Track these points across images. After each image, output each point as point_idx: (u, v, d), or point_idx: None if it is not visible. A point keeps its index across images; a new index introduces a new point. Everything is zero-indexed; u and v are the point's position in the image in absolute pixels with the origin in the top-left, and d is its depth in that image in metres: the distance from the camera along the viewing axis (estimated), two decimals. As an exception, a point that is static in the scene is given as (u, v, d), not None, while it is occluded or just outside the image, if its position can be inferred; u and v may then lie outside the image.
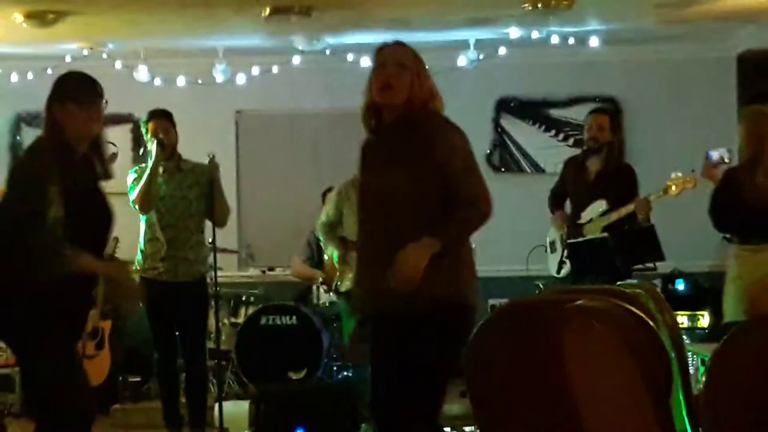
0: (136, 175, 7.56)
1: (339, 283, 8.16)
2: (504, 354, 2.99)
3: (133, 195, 7.41)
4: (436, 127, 4.62)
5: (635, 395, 2.56)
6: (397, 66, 4.61)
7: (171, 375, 7.76)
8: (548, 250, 8.35)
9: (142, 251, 7.59)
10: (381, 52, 4.72)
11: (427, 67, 4.70)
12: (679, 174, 7.75)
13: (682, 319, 8.61)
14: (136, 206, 7.45)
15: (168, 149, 7.50)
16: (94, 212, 5.06)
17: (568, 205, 8.23)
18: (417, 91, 4.61)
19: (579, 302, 2.75)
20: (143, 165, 7.62)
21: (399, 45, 4.74)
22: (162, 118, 7.60)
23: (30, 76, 10.14)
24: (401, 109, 4.61)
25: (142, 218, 7.60)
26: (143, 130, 7.72)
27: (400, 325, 4.55)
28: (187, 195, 7.57)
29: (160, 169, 7.48)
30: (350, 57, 10.15)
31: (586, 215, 7.93)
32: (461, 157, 4.59)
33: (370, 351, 4.84)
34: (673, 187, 7.72)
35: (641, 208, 7.70)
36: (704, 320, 9.07)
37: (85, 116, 5.06)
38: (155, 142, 7.41)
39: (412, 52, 4.71)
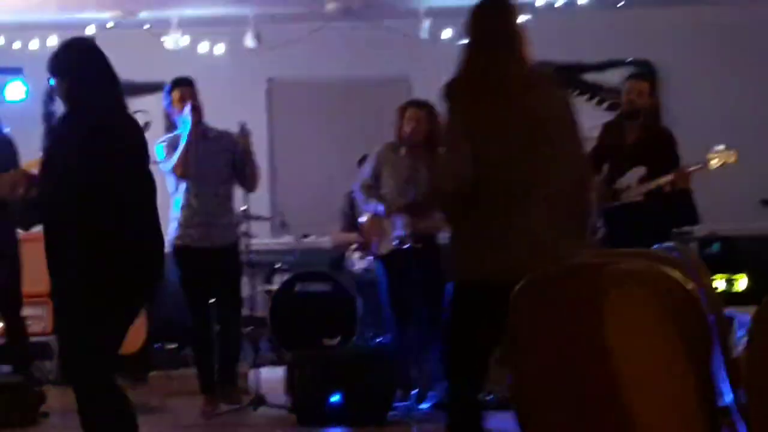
0: (167, 144, 7.61)
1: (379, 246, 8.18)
2: (541, 318, 2.97)
3: (173, 162, 7.46)
4: None
5: (675, 358, 2.54)
6: None
7: (206, 342, 7.80)
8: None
9: (176, 219, 7.64)
10: None
11: None
12: (721, 147, 7.69)
13: (719, 283, 8.56)
14: (177, 173, 7.50)
15: (198, 114, 7.54)
16: None
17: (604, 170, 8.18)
18: None
19: (617, 265, 2.73)
20: (171, 135, 7.67)
21: None
22: (186, 85, 7.64)
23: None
24: None
25: (173, 187, 7.63)
26: (165, 101, 7.76)
27: None
28: (215, 162, 7.63)
29: (188, 137, 7.55)
30: (385, 23, 10.13)
31: (624, 181, 7.87)
32: None
33: None
34: (714, 161, 7.66)
35: (680, 179, 7.66)
36: (741, 283, 9.02)
37: None
38: (188, 107, 7.45)
39: None
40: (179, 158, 7.44)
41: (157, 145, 7.74)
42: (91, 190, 4.68)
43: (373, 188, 8.04)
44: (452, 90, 4.59)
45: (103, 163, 4.70)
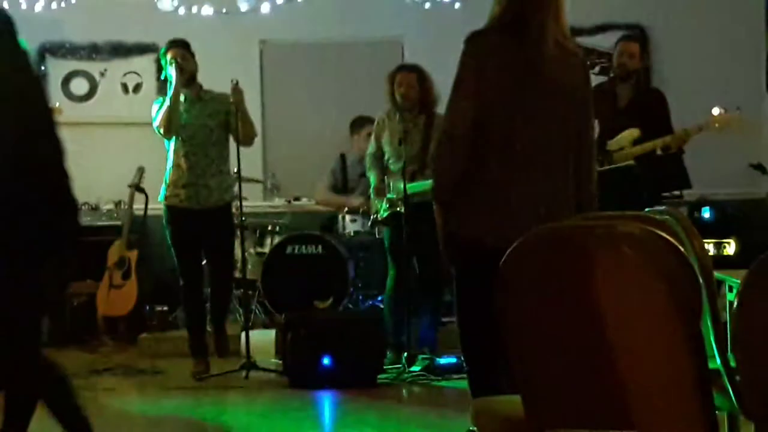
0: (159, 105, 7.64)
1: (377, 212, 8.18)
2: (533, 280, 2.98)
3: (157, 120, 7.51)
4: None
5: (666, 320, 2.55)
6: None
7: (197, 304, 7.82)
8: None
9: (166, 180, 7.67)
10: None
11: None
12: (723, 110, 7.69)
13: (709, 247, 8.57)
14: (160, 130, 7.56)
15: (186, 74, 7.59)
16: None
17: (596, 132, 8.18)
18: None
19: (609, 227, 2.74)
20: (165, 96, 7.69)
21: None
22: (179, 46, 7.68)
23: (54, 5, 10.11)
24: None
25: (167, 147, 7.66)
26: (162, 62, 7.79)
27: None
28: (208, 123, 7.65)
29: (182, 98, 7.58)
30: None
31: (615, 143, 7.87)
32: None
33: None
34: (716, 125, 7.67)
35: (678, 142, 7.67)
36: (730, 248, 9.04)
37: None
38: (174, 65, 7.49)
39: None
40: (162, 116, 7.49)
41: (154, 104, 7.80)
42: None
43: (377, 158, 8.12)
44: (476, 41, 4.48)
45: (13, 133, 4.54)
